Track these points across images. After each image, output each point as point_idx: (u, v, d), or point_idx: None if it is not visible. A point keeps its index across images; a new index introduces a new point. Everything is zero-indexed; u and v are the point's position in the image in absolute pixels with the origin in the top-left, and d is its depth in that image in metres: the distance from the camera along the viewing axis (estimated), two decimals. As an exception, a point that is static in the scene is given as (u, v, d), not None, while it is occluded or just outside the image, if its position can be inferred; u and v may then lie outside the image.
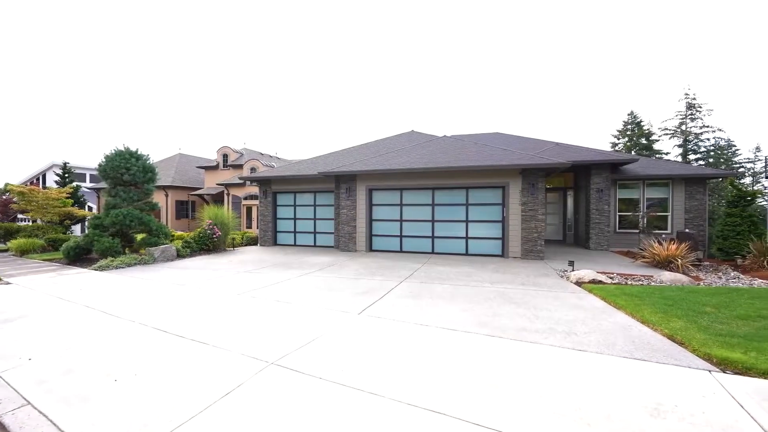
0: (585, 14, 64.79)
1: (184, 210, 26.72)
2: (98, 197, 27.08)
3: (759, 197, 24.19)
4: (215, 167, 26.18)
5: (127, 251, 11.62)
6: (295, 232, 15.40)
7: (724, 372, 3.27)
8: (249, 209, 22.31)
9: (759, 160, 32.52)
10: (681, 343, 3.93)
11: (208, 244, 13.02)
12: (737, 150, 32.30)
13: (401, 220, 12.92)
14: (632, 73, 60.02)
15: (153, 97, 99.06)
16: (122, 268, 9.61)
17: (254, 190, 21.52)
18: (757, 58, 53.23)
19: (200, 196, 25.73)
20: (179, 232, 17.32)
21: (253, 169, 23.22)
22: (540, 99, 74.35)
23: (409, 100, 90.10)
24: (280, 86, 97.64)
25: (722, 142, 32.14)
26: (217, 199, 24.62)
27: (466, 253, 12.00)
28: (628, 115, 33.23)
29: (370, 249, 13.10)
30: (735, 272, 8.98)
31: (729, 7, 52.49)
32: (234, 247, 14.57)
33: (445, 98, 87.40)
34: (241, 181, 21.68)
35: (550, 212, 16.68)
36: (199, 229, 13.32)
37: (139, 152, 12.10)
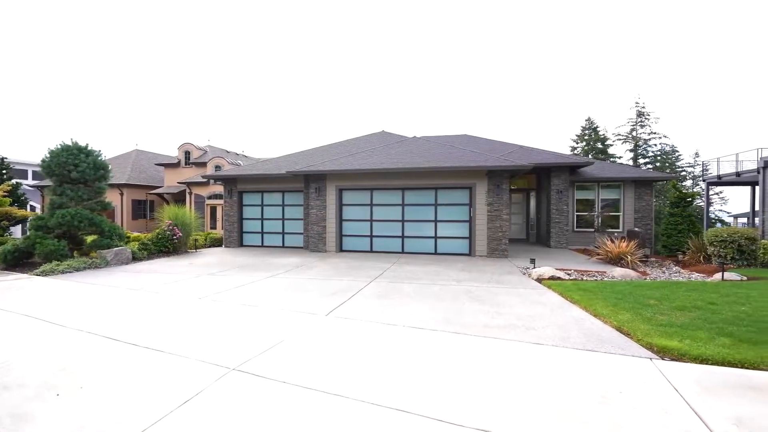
0: (549, 26, 68.24)
1: (141, 210, 25.16)
2: (42, 196, 24.86)
3: (697, 198, 26.61)
4: (176, 165, 24.87)
5: (75, 254, 10.75)
6: (262, 232, 14.97)
7: (663, 359, 3.57)
8: (213, 209, 21.41)
9: (698, 164, 35.77)
10: (627, 334, 4.24)
11: (167, 246, 12.34)
12: (680, 155, 35.35)
13: (371, 220, 12.94)
14: (591, 81, 64.05)
15: (107, 89, 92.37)
16: (69, 272, 8.89)
17: (219, 189, 20.67)
18: (698, 72, 58.51)
19: (160, 195, 24.34)
20: (136, 234, 16.28)
21: (217, 168, 22.29)
22: (506, 102, 77.40)
23: (379, 100, 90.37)
24: (247, 83, 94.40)
25: (667, 148, 35.04)
26: (179, 198, 23.40)
27: (435, 253, 12.23)
28: (586, 121, 35.35)
29: (341, 249, 13.01)
30: (676, 267, 9.82)
31: (674, 25, 57.30)
32: (197, 248, 13.92)
33: (416, 99, 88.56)
34: (205, 180, 20.77)
35: (515, 212, 17.38)
36: (157, 230, 12.60)
37: (89, 147, 11.24)
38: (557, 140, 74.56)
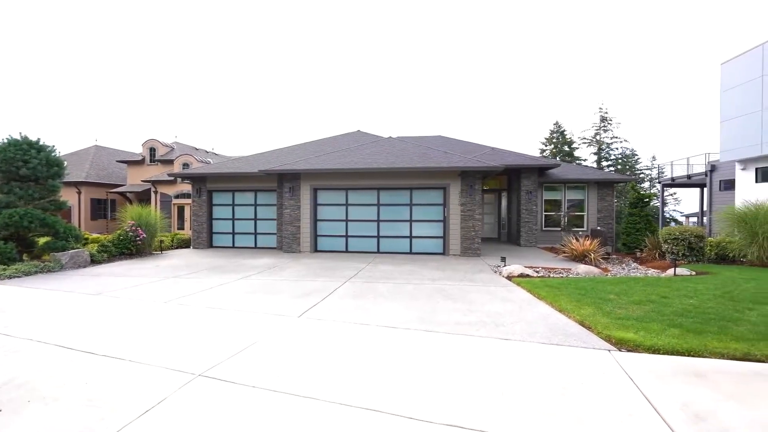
0: (522, 33, 70.65)
1: (101, 209, 23.72)
2: (-13, 194, 22.86)
3: (654, 199, 28.45)
4: (140, 162, 23.64)
5: (25, 258, 9.98)
6: (233, 233, 14.51)
7: (620, 350, 3.79)
8: (181, 209, 20.53)
9: (654, 167, 38.26)
10: (589, 328, 4.46)
11: (130, 248, 11.70)
12: (639, 159, 37.65)
13: (347, 220, 12.87)
14: (560, 86, 66.99)
15: (63, 81, 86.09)
16: (18, 277, 8.23)
17: (187, 188, 19.83)
18: (656, 80, 62.59)
19: (122, 194, 23.06)
20: (95, 235, 15.33)
21: (185, 165, 21.39)
22: (480, 105, 79.36)
23: (355, 100, 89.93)
24: (218, 78, 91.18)
25: (627, 152, 37.22)
26: (143, 197, 22.25)
27: (410, 252, 12.34)
28: (554, 124, 36.89)
29: (315, 249, 12.85)
30: (635, 263, 10.44)
31: (635, 36, 61.01)
32: (162, 250, 13.29)
33: (392, 99, 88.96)
34: (172, 178, 19.88)
35: (487, 212, 17.85)
36: (119, 231, 11.92)
37: (41, 142, 10.46)
38: (527, 143, 77.42)
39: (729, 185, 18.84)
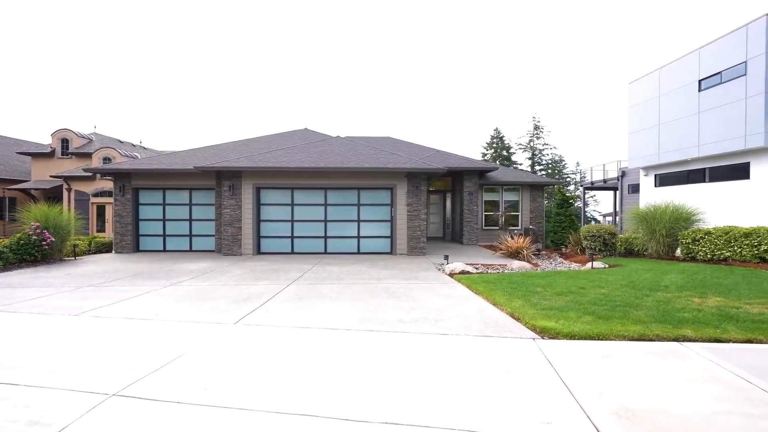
0: (466, 44, 74.47)
1: (-4, 209, 20.21)
2: None
3: (577, 201, 31.73)
4: (49, 155, 20.60)
5: None
6: (164, 235, 13.26)
7: (543, 338, 4.16)
8: (101, 209, 18.31)
9: (578, 172, 42.68)
10: (518, 319, 4.84)
11: (34, 254, 10.12)
12: (566, 164, 41.76)
13: (292, 221, 12.48)
14: (501, 95, 71.84)
15: (-57, 54, 71.46)
16: None
17: (108, 184, 17.69)
18: (582, 93, 69.89)
19: (24, 191, 19.91)
20: (-13, 239, 13.00)
21: (107, 159, 19.09)
22: (427, 108, 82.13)
23: (302, 98, 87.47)
24: (149, 64, 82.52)
25: (557, 157, 41.10)
26: (52, 195, 19.42)
27: (358, 252, 12.34)
28: (494, 131, 39.48)
29: (258, 251, 12.26)
30: (561, 258, 11.57)
31: (565, 53, 67.56)
32: (77, 255, 11.70)
33: (341, 98, 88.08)
34: (89, 174, 17.58)
35: (433, 212, 18.51)
36: (19, 234, 10.25)
37: None
38: (471, 146, 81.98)
39: (636, 189, 21.69)
